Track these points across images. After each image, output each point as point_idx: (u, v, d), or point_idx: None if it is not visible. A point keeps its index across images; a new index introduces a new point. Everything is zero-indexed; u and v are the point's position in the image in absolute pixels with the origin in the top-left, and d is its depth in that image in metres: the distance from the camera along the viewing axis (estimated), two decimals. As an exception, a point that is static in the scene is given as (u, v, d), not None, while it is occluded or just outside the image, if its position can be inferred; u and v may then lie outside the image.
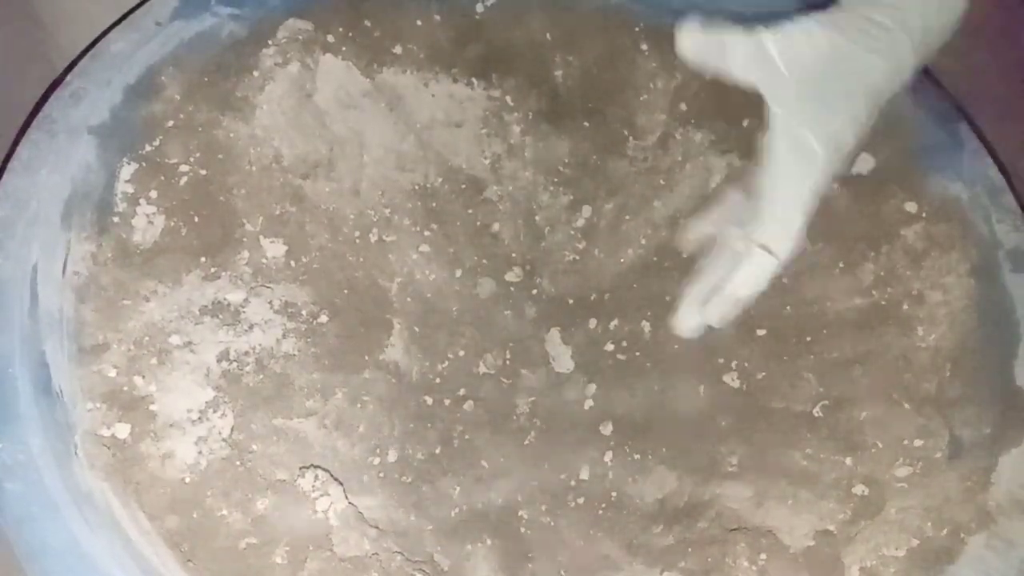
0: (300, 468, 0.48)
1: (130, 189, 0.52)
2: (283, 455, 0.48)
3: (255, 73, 0.57)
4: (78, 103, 0.52)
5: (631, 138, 0.64)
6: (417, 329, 0.57)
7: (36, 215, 0.48)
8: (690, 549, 0.52)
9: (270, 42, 0.58)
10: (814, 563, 0.49)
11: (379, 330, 0.55)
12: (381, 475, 0.51)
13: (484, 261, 0.58)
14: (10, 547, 0.40)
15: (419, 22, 0.60)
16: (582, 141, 0.63)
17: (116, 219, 0.51)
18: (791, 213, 0.46)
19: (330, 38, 0.59)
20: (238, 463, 0.46)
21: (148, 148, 0.53)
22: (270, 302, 0.52)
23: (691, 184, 0.61)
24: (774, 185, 0.46)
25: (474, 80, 0.63)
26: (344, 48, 0.59)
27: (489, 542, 0.51)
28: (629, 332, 0.57)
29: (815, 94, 0.46)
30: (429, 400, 0.55)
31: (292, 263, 0.55)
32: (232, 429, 0.47)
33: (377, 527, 0.48)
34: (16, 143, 0.50)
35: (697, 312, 0.49)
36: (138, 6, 0.57)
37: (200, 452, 0.45)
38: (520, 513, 0.53)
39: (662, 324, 0.56)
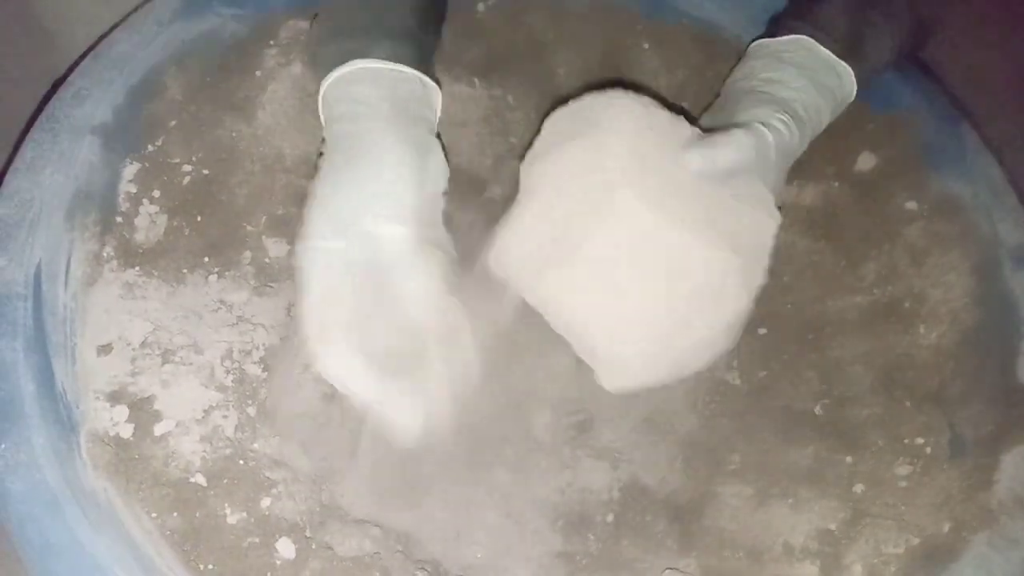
0: (302, 466, 0.48)
1: (133, 189, 0.52)
2: (286, 454, 0.48)
3: (257, 73, 0.57)
4: (81, 103, 0.52)
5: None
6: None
7: (39, 215, 0.48)
8: (692, 547, 0.52)
9: (272, 42, 0.58)
10: (815, 562, 0.49)
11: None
12: (383, 473, 0.51)
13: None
14: (13, 546, 0.40)
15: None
16: (584, 140, 0.63)
17: (119, 219, 0.51)
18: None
19: (332, 38, 0.59)
20: (241, 462, 0.46)
21: (151, 148, 0.53)
22: (273, 302, 0.53)
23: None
24: None
25: (476, 79, 0.63)
26: (346, 48, 0.59)
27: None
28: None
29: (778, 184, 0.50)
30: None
31: (294, 263, 0.55)
32: (235, 428, 0.47)
33: (379, 526, 0.48)
34: (19, 143, 0.50)
35: None
36: (140, 7, 0.58)
37: (204, 451, 0.45)
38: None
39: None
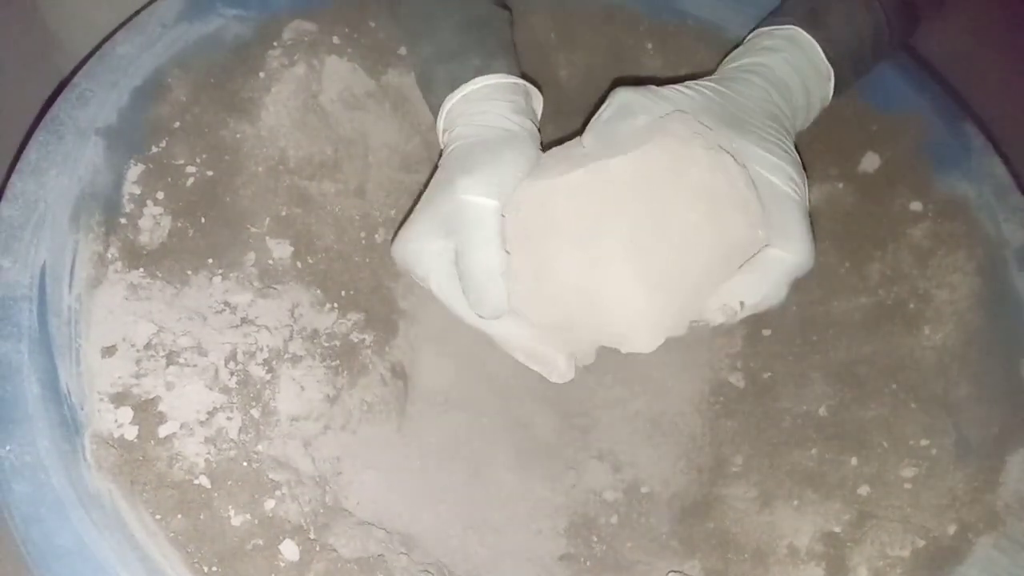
0: (307, 468, 0.48)
1: (137, 190, 0.52)
2: (290, 456, 0.48)
3: (261, 74, 0.57)
4: (85, 105, 0.52)
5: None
6: (422, 330, 0.57)
7: (44, 216, 0.48)
8: (696, 549, 0.52)
9: (275, 44, 0.58)
10: (820, 564, 0.49)
11: (385, 331, 0.55)
12: (387, 475, 0.51)
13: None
14: (17, 548, 0.40)
15: (424, 23, 0.60)
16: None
17: (123, 220, 0.51)
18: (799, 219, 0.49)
19: (335, 39, 0.59)
20: (245, 464, 0.46)
21: (155, 149, 0.53)
22: (277, 303, 0.53)
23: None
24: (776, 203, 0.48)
25: (479, 80, 0.63)
26: (349, 49, 0.59)
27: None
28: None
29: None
30: (438, 400, 0.55)
31: (298, 264, 0.55)
32: (240, 430, 0.47)
33: (384, 528, 0.48)
34: (24, 145, 0.50)
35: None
36: (143, 8, 0.58)
37: (208, 453, 0.45)
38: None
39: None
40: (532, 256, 0.47)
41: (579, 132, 0.53)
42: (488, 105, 0.52)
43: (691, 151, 0.46)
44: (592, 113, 0.50)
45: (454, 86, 0.52)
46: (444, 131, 0.54)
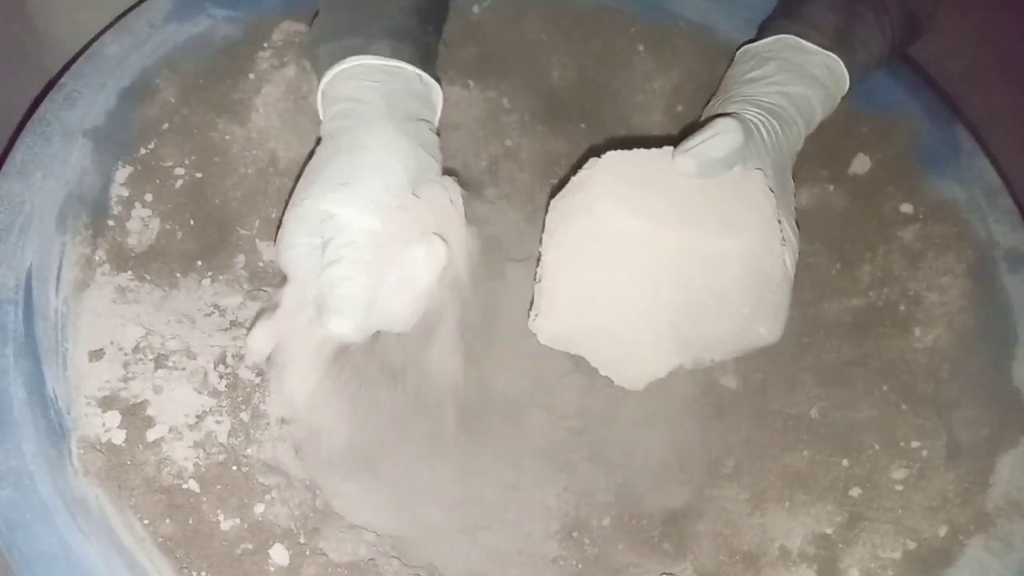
0: (296, 471, 0.48)
1: (125, 192, 0.52)
2: (280, 459, 0.48)
3: (251, 75, 0.57)
4: (73, 106, 0.52)
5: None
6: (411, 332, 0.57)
7: (31, 219, 0.48)
8: (687, 551, 0.52)
9: (265, 44, 0.57)
10: (811, 566, 0.49)
11: (375, 333, 0.55)
12: (378, 479, 0.51)
13: (481, 263, 0.58)
14: (2, 554, 0.40)
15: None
16: (579, 142, 0.63)
17: (111, 222, 0.51)
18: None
19: (326, 40, 0.59)
20: (234, 468, 0.46)
21: (143, 151, 0.53)
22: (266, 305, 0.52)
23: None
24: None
25: (470, 81, 0.63)
26: (340, 50, 0.59)
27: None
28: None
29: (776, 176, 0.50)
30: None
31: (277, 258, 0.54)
32: (229, 434, 0.47)
33: (374, 531, 0.48)
34: (10, 146, 0.50)
35: None
36: (132, 8, 0.57)
37: (197, 457, 0.45)
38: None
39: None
40: (585, 261, 0.47)
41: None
42: (354, 91, 0.49)
43: (771, 245, 0.47)
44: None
45: (328, 67, 0.50)
46: (321, 116, 0.51)
